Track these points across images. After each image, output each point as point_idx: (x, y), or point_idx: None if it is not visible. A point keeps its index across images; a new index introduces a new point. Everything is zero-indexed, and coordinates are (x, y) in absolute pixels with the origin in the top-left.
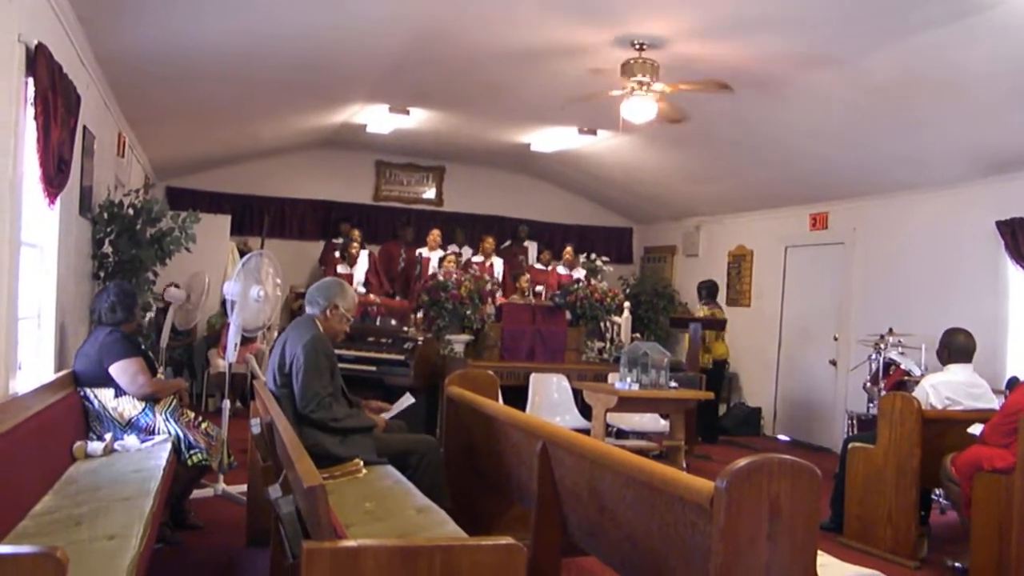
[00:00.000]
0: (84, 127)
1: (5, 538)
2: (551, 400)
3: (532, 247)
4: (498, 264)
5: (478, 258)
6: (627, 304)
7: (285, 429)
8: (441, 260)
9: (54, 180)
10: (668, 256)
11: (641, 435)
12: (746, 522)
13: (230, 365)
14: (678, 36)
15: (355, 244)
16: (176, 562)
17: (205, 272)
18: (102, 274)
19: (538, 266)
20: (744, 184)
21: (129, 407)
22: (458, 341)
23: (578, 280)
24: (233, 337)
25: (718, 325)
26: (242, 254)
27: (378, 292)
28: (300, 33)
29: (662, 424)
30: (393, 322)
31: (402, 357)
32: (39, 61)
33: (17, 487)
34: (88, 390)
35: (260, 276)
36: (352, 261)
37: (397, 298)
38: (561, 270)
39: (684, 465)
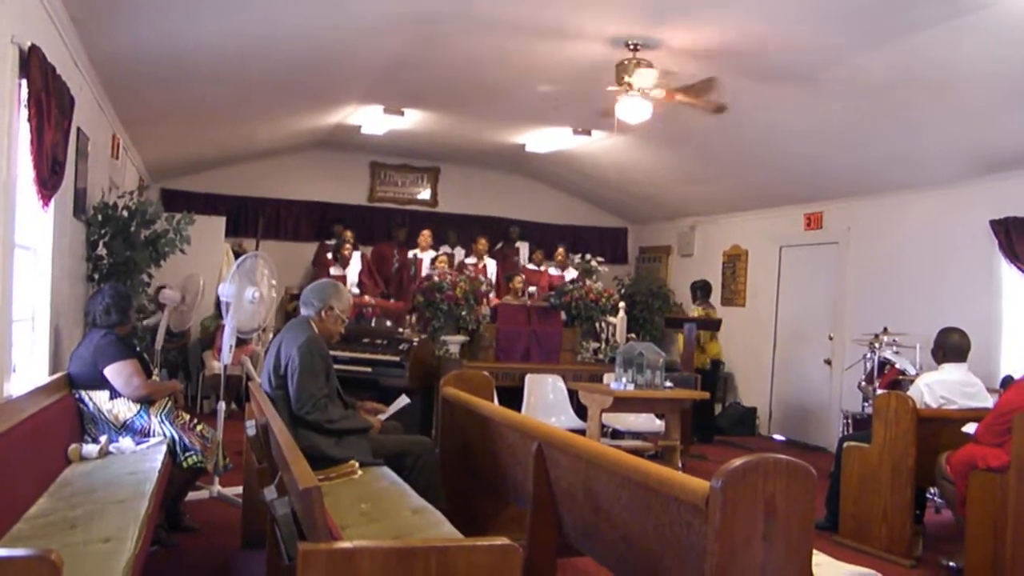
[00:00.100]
0: (78, 129)
1: (0, 541)
2: (546, 401)
3: (524, 247)
4: (491, 265)
5: (471, 259)
6: (622, 304)
7: (280, 431)
8: (433, 261)
9: (48, 182)
10: (663, 256)
11: (637, 435)
12: (741, 522)
13: (225, 367)
14: (674, 36)
15: (347, 245)
16: (171, 564)
17: (199, 274)
18: (96, 276)
19: (530, 266)
20: (739, 184)
21: (124, 409)
22: (453, 342)
23: (573, 281)
24: (228, 339)
25: (713, 325)
26: (237, 256)
27: (373, 293)
28: (294, 34)
29: (657, 424)
30: (388, 323)
31: (397, 358)
32: (32, 63)
33: (12, 490)
34: (83, 392)
35: (255, 278)
36: (345, 262)
37: (392, 299)
38: (552, 271)
39: (680, 465)
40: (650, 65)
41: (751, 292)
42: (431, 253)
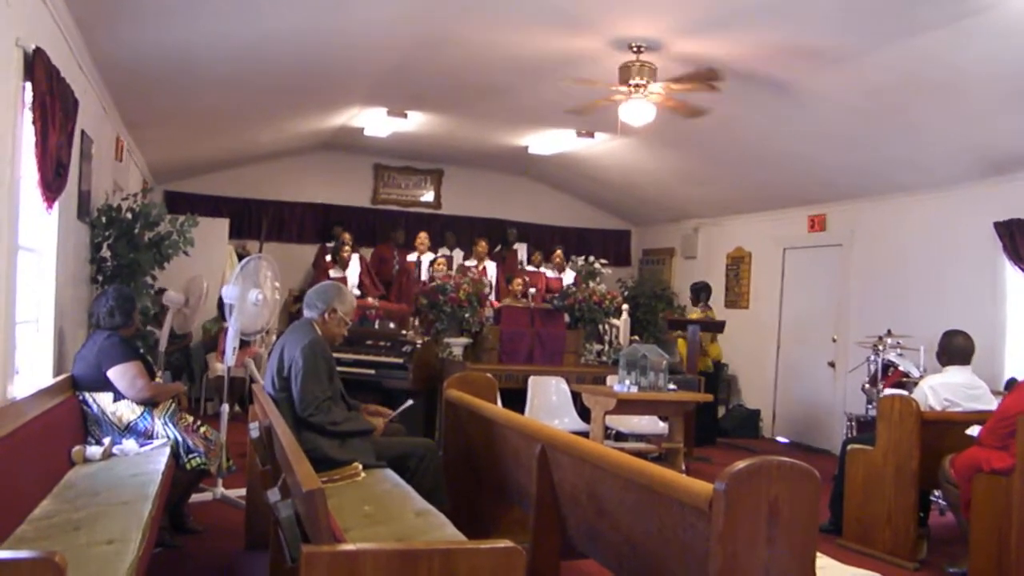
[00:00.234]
0: (82, 131)
1: (4, 543)
2: (550, 403)
3: (522, 249)
4: (491, 267)
5: (471, 262)
6: (625, 306)
7: (284, 433)
8: (432, 263)
9: (52, 184)
10: (666, 258)
11: (640, 438)
12: (745, 524)
13: (229, 369)
14: (675, 39)
15: (346, 247)
16: (175, 566)
17: (203, 276)
18: (100, 278)
19: (530, 268)
20: (742, 186)
21: (128, 411)
22: (456, 344)
23: (573, 284)
24: (232, 341)
25: (717, 327)
26: (240, 258)
27: (372, 293)
28: (298, 37)
29: (661, 426)
30: (391, 325)
31: (401, 360)
32: (37, 65)
33: (16, 491)
34: (87, 394)
35: (258, 279)
36: (344, 264)
37: (391, 301)
38: (549, 273)
39: (683, 468)
40: (654, 68)
41: (755, 294)
42: (430, 255)
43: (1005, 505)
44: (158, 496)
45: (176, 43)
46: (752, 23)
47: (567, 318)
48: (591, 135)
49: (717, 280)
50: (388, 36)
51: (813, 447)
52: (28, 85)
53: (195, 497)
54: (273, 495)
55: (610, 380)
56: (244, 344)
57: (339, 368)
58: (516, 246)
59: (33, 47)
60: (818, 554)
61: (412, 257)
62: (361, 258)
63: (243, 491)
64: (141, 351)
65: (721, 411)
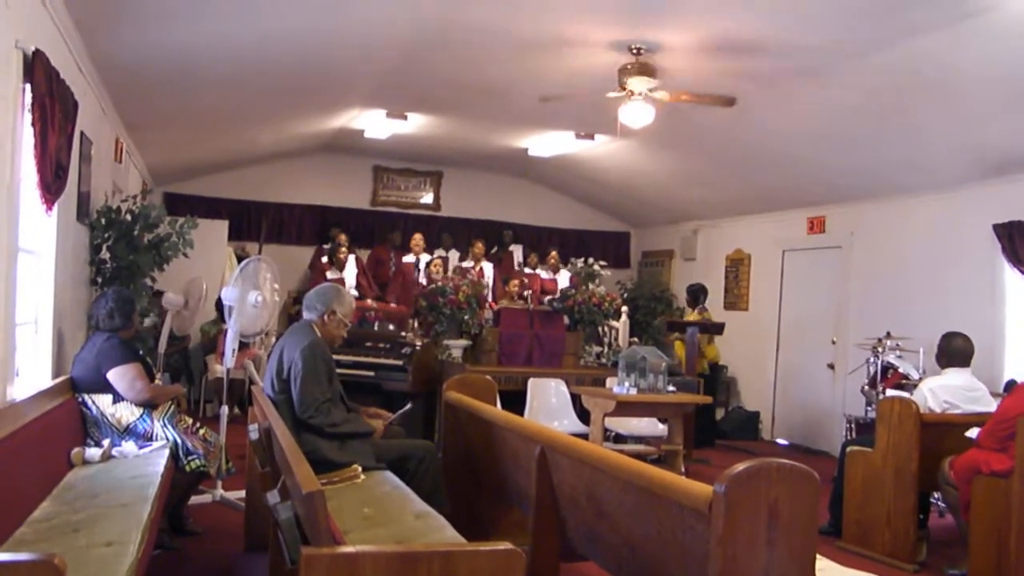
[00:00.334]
0: (81, 133)
1: (3, 545)
2: (549, 405)
3: (517, 251)
4: (488, 268)
5: (468, 263)
6: (624, 308)
7: (283, 435)
8: (428, 264)
9: (51, 186)
10: (666, 260)
11: (639, 439)
12: (744, 527)
13: (228, 371)
14: (676, 40)
15: (343, 249)
16: (174, 568)
17: (202, 278)
18: (100, 280)
19: (526, 270)
20: (741, 188)
21: (127, 413)
22: (456, 346)
23: (571, 287)
24: (231, 343)
25: (716, 329)
26: (240, 259)
27: (368, 295)
28: (298, 39)
29: (660, 428)
30: (391, 327)
31: (400, 362)
32: (36, 67)
33: (15, 493)
34: (86, 396)
35: (258, 281)
36: (340, 266)
37: (387, 303)
38: (544, 274)
39: (683, 470)
40: (652, 70)
41: (754, 296)
42: (426, 257)
43: (1004, 507)
44: (157, 498)
45: (175, 44)
46: (755, 26)
47: (566, 320)
48: (591, 137)
49: (716, 282)
50: (388, 37)
51: (812, 449)
52: (28, 87)
53: (194, 499)
54: (272, 497)
55: (609, 382)
56: (243, 346)
57: (338, 370)
58: (512, 248)
59: (33, 49)
60: (818, 556)
61: (409, 259)
62: (357, 259)
63: (242, 493)
64: (140, 353)
65: (720, 413)
